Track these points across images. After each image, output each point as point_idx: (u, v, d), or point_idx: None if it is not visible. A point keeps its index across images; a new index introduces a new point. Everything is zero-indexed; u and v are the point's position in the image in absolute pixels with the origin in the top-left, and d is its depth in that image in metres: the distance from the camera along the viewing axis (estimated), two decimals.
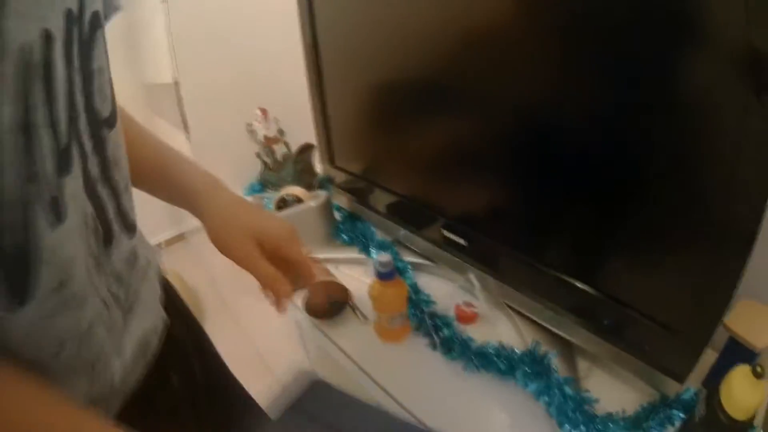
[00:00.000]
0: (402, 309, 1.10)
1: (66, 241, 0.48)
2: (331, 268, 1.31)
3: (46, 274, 0.46)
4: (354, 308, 1.20)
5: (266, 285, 0.77)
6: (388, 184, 1.30)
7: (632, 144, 0.79)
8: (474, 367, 1.05)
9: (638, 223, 0.85)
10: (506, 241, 1.08)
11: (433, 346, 1.11)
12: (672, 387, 0.89)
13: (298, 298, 1.20)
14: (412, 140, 1.20)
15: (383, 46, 1.15)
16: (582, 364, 1.05)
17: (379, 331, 1.14)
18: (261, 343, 2.06)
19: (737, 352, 0.88)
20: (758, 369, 0.67)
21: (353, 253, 1.37)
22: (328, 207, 1.39)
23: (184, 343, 0.82)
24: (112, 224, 0.59)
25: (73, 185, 0.50)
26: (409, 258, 1.29)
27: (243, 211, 0.78)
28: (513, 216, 1.07)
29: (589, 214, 0.92)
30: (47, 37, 0.43)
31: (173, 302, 0.83)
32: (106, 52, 0.57)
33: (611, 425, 0.92)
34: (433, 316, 1.13)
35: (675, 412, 0.91)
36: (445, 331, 1.10)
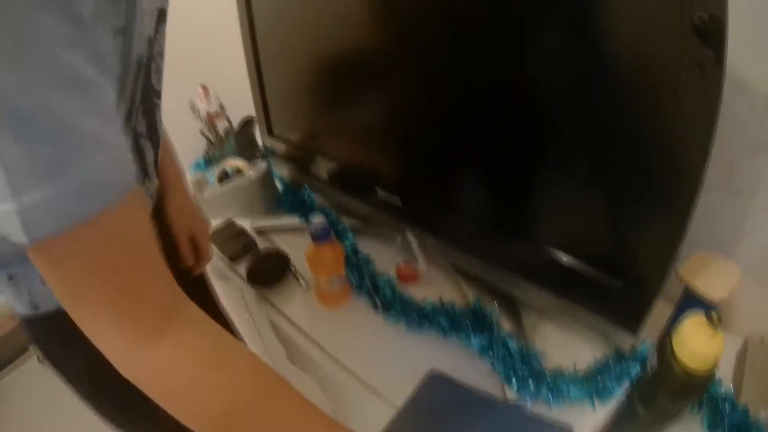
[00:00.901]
0: (339, 271, 1.04)
1: None
2: (273, 236, 1.27)
3: None
4: (296, 274, 1.15)
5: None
6: (326, 151, 1.25)
7: (572, 89, 0.75)
8: (416, 327, 1.01)
9: (579, 171, 0.80)
10: (441, 199, 1.03)
11: (375, 308, 1.06)
12: (626, 340, 0.84)
13: (242, 268, 1.15)
14: (346, 108, 1.15)
15: (317, 19, 1.09)
16: (528, 321, 1.00)
17: (319, 296, 1.10)
18: None
19: (694, 305, 0.83)
20: (714, 317, 0.60)
21: (294, 221, 1.31)
22: (269, 177, 1.34)
23: None
24: (149, 167, 0.78)
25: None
26: (349, 222, 1.24)
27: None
28: (446, 173, 1.01)
29: (526, 165, 0.87)
30: (149, 42, 0.62)
31: None
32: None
33: (562, 380, 0.87)
34: (374, 277, 1.08)
35: (632, 365, 0.87)
36: (386, 292, 1.05)
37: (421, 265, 1.08)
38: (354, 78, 1.09)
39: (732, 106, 0.67)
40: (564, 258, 0.85)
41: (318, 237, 0.99)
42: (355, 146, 1.18)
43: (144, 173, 0.76)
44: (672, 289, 0.79)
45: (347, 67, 1.09)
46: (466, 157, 0.96)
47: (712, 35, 0.56)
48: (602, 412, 0.83)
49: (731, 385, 0.84)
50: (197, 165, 1.62)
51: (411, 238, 1.07)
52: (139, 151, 0.72)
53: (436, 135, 0.99)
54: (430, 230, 1.06)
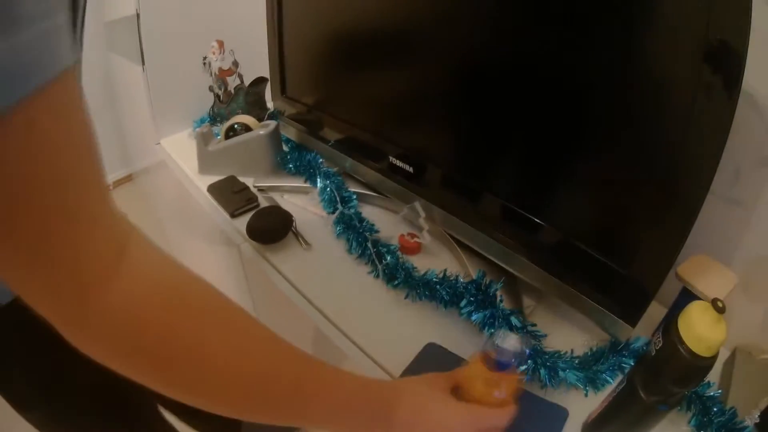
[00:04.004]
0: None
1: None
2: (276, 196, 1.18)
3: None
4: (297, 234, 1.06)
5: None
6: (338, 115, 1.19)
7: (596, 91, 0.74)
8: (417, 296, 0.95)
9: (595, 165, 0.78)
10: (452, 169, 0.99)
11: (376, 274, 1.00)
12: (623, 332, 0.82)
13: (241, 224, 1.06)
14: (368, 72, 1.09)
15: None
16: (527, 302, 0.96)
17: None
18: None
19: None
20: (719, 304, 0.57)
21: (297, 183, 1.24)
22: (276, 136, 1.26)
23: None
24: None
25: None
26: (355, 189, 1.16)
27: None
28: (461, 144, 0.97)
29: (545, 150, 0.83)
30: None
31: None
32: None
33: (561, 363, 0.83)
34: (377, 243, 1.01)
35: (626, 360, 0.84)
36: (389, 259, 0.98)
37: (425, 236, 1.01)
38: (377, 42, 1.03)
39: (743, 118, 0.67)
40: (572, 242, 0.82)
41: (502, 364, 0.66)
42: (372, 111, 1.12)
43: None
44: (665, 292, 0.79)
45: (371, 30, 1.03)
46: (484, 133, 0.91)
47: (731, 61, 0.57)
48: (594, 399, 0.79)
49: (719, 390, 0.82)
50: (202, 121, 1.52)
51: (419, 208, 0.99)
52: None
53: (454, 108, 0.94)
54: (438, 201, 1.01)
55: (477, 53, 0.86)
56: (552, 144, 0.81)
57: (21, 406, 0.71)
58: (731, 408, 0.76)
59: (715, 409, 0.76)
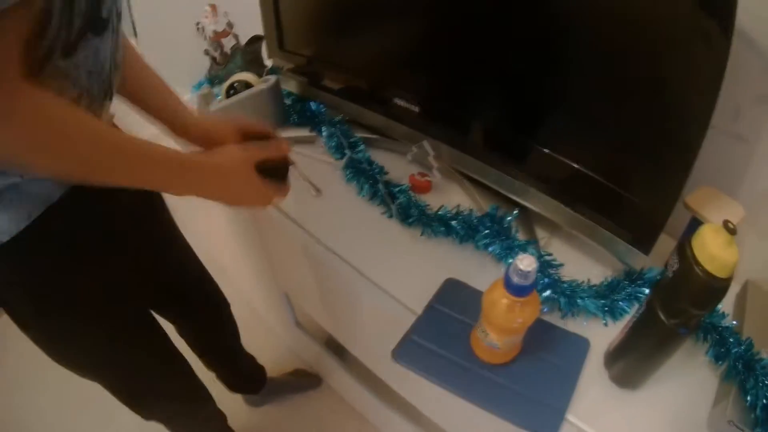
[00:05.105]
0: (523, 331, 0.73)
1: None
2: None
3: None
4: (307, 181, 1.05)
5: None
6: (339, 62, 1.17)
7: (605, 33, 0.74)
8: (431, 233, 0.95)
9: (599, 93, 0.78)
10: (459, 104, 0.97)
11: (390, 214, 0.99)
12: (637, 260, 0.82)
13: None
14: (363, 17, 1.07)
15: None
16: (541, 233, 0.96)
17: (475, 345, 0.79)
18: (212, 242, 1.91)
19: None
20: (730, 225, 0.57)
21: (304, 133, 1.23)
22: (277, 90, 1.23)
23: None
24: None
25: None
26: (361, 134, 1.15)
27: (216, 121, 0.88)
28: (465, 79, 0.95)
29: (546, 77, 0.82)
30: None
31: None
32: None
33: (579, 292, 0.83)
34: (388, 184, 0.99)
35: (641, 289, 0.83)
36: (401, 198, 0.97)
37: (435, 174, 0.99)
38: None
39: (740, 57, 0.68)
40: (583, 171, 0.82)
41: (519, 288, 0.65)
42: (373, 55, 1.09)
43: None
44: (675, 226, 0.80)
45: None
46: (488, 65, 0.90)
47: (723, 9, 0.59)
48: (613, 329, 0.78)
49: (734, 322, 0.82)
50: (200, 84, 1.50)
51: (428, 146, 0.97)
52: None
53: (458, 41, 0.92)
54: (446, 138, 0.99)
55: None
56: (557, 74, 0.80)
57: (20, 323, 0.74)
58: (747, 338, 0.76)
59: (731, 340, 0.76)
